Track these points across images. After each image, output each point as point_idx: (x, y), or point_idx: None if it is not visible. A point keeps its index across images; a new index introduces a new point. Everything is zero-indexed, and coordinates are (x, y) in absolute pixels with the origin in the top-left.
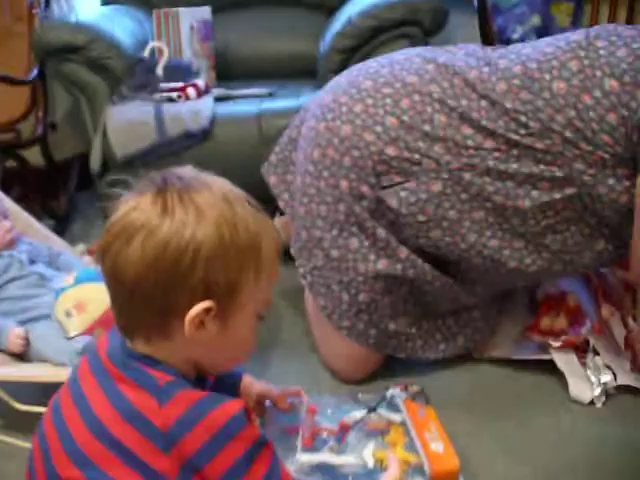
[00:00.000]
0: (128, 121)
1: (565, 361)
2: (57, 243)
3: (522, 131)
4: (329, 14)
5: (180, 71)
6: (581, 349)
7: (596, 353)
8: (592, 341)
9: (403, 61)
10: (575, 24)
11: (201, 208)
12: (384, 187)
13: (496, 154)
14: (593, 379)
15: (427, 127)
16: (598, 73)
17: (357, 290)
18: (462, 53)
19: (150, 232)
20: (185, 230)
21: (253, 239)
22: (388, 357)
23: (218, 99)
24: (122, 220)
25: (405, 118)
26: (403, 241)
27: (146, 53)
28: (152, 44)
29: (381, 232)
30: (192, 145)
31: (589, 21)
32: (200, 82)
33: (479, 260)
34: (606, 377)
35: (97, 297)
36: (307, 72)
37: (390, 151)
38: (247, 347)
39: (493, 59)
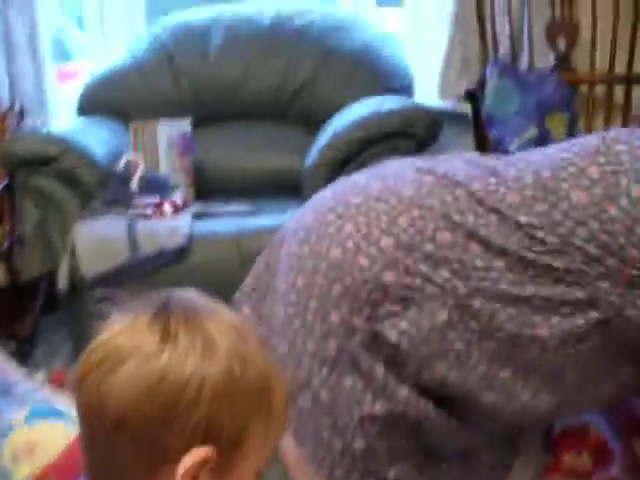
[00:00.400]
0: (98, 238)
1: None
2: (15, 370)
3: (538, 248)
4: (314, 129)
5: (156, 186)
6: None
7: None
8: None
9: (395, 173)
10: (570, 136)
11: (211, 336)
12: (381, 318)
13: (509, 275)
14: None
15: (429, 247)
16: (623, 180)
17: (352, 436)
18: (460, 162)
19: (145, 359)
20: (188, 360)
21: (265, 380)
22: None
23: (196, 216)
24: (109, 343)
25: (404, 237)
26: (403, 378)
27: (121, 166)
28: (127, 156)
29: (378, 371)
30: (167, 265)
31: (584, 133)
32: (177, 198)
33: (489, 395)
34: None
35: (51, 438)
36: (291, 189)
37: (387, 277)
38: None
39: (498, 168)
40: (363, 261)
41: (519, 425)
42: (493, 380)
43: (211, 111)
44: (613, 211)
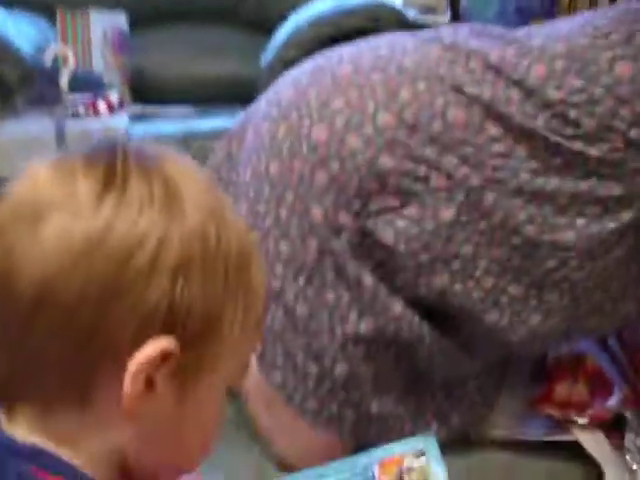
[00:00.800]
0: (21, 137)
1: (594, 443)
2: None
3: (570, 131)
4: (267, 33)
5: (89, 83)
6: (612, 427)
7: (636, 433)
8: (629, 417)
9: (391, 43)
10: None
11: (175, 185)
12: (374, 214)
13: (532, 164)
14: (635, 467)
15: (437, 126)
16: None
17: (332, 360)
18: (467, 32)
19: (79, 211)
20: (143, 213)
21: (245, 257)
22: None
23: (134, 118)
24: (27, 193)
25: (406, 114)
26: (396, 290)
27: (47, 60)
28: (55, 49)
29: (368, 280)
30: None
31: None
32: (113, 96)
33: (494, 314)
34: None
35: None
36: (240, 97)
37: (384, 161)
38: (207, 439)
39: (519, 37)
40: (355, 142)
41: (525, 350)
42: (501, 296)
43: (152, 10)
44: None
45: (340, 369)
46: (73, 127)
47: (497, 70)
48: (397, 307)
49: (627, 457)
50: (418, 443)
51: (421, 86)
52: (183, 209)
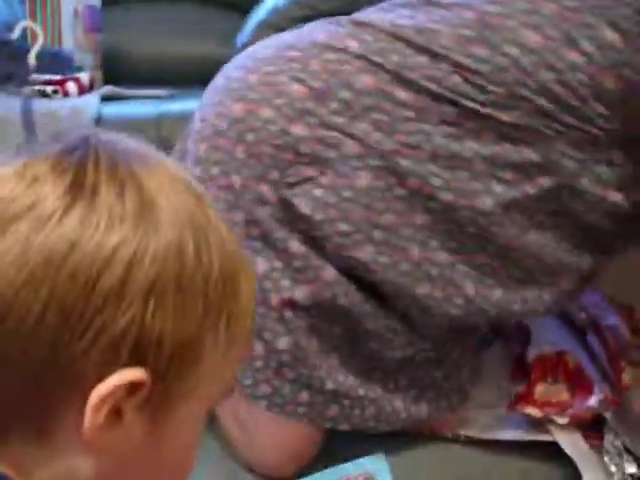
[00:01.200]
0: None
1: (572, 444)
2: None
3: (480, 97)
4: (243, 14)
5: (58, 62)
6: (589, 427)
7: (615, 434)
8: (609, 417)
9: (315, 27)
10: None
11: (150, 197)
12: (292, 185)
13: (446, 128)
14: (613, 469)
15: (347, 93)
16: (589, 19)
17: (273, 333)
18: (382, 5)
19: (43, 221)
20: (114, 226)
21: (231, 271)
22: (330, 433)
23: (106, 99)
24: None
25: (316, 84)
26: (326, 258)
27: (15, 36)
28: (23, 24)
29: (296, 247)
30: None
31: None
32: (83, 77)
33: (424, 286)
34: (631, 467)
35: None
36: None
37: (297, 130)
38: (187, 463)
39: (433, 4)
40: (267, 113)
41: (467, 325)
42: (430, 266)
43: None
44: (574, 57)
45: (283, 342)
46: (41, 107)
47: (403, 37)
48: (330, 273)
49: (605, 458)
50: (367, 465)
51: (330, 56)
52: (158, 223)
